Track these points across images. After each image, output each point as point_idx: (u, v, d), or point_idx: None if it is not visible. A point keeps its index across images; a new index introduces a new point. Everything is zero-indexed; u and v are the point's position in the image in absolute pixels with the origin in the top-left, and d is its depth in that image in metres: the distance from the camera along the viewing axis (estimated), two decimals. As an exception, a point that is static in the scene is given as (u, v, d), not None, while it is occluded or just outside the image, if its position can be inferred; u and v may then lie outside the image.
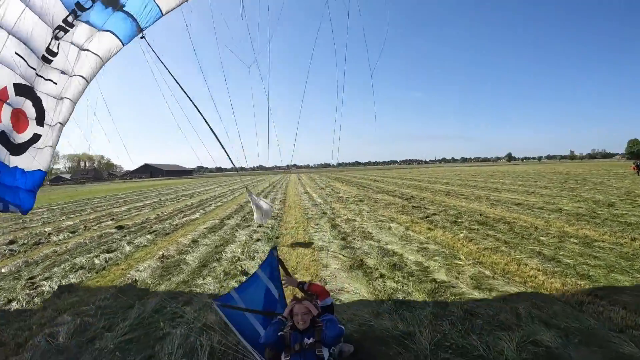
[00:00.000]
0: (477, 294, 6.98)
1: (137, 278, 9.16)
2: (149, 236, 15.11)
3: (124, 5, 6.81)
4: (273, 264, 5.66)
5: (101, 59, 7.40)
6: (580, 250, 9.77)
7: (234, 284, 8.18)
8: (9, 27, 5.89)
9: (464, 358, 4.85)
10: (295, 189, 40.22)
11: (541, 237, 11.30)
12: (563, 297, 6.69)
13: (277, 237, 13.79)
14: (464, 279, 7.82)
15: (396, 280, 8.01)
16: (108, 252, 12.43)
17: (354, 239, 12.63)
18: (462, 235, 12.13)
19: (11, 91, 6.34)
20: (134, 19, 7.13)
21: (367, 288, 7.70)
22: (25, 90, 6.55)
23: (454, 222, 14.56)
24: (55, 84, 7.00)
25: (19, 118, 6.68)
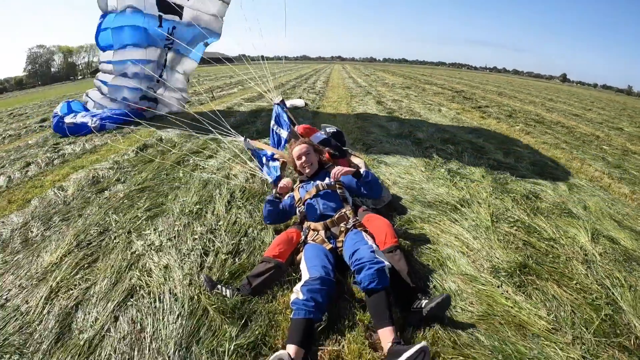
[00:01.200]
0: (540, 180, 5.98)
1: (162, 136, 8.79)
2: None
3: None
4: (277, 111, 5.46)
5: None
6: (648, 168, 8.34)
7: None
8: None
9: (532, 236, 4.01)
10: (339, 75, 37.95)
11: (603, 146, 9.88)
12: (633, 203, 5.59)
13: (317, 108, 12.90)
14: (524, 164, 6.78)
15: (449, 152, 7.05)
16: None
17: (401, 114, 11.54)
18: (518, 127, 10.88)
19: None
20: None
21: (416, 154, 6.80)
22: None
23: (509, 116, 13.15)
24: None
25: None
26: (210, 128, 5.65)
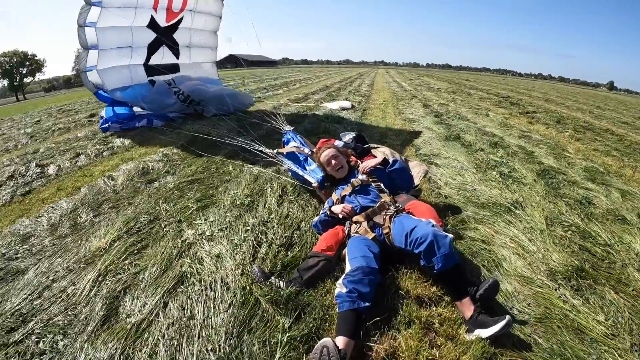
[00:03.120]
0: (591, 185, 5.77)
1: (210, 131, 8.71)
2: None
3: None
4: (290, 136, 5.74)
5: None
6: None
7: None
8: None
9: (587, 241, 3.89)
10: (383, 79, 37.66)
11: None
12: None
13: (364, 110, 12.86)
14: (575, 170, 6.56)
15: (499, 156, 6.91)
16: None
17: (448, 118, 11.38)
18: (567, 134, 10.49)
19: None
20: None
21: (467, 157, 6.70)
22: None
23: (557, 122, 12.68)
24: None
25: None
26: (238, 142, 6.08)
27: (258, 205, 4.60)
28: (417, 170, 4.59)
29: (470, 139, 8.19)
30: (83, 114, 14.70)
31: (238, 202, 4.66)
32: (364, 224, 3.32)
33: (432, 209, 3.46)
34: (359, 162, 4.24)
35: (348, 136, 5.23)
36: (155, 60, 9.87)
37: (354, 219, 3.43)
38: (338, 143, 4.78)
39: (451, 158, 6.57)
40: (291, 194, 4.92)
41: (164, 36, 9.59)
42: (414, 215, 3.29)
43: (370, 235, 3.18)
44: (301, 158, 5.12)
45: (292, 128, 5.67)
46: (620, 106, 27.98)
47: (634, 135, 12.14)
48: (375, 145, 4.77)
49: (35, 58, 78.02)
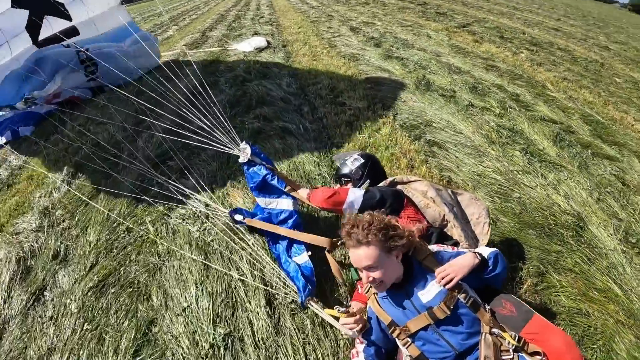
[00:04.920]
0: (606, 149, 4.93)
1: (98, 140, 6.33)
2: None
3: None
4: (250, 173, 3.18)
5: None
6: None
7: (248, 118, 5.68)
8: None
9: None
10: None
11: (616, 78, 8.80)
12: None
13: (284, 46, 10.58)
14: (577, 123, 5.60)
15: (497, 113, 5.65)
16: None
17: (392, 46, 9.72)
18: (523, 56, 9.50)
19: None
20: None
21: (464, 121, 5.34)
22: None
23: (501, 37, 11.68)
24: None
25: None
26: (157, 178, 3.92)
27: (238, 340, 2.55)
28: (475, 213, 2.83)
29: (444, 83, 6.81)
30: None
31: (203, 338, 2.55)
32: None
33: (569, 342, 2.04)
34: (420, 242, 2.26)
35: (348, 167, 3.11)
36: (45, 35, 6.40)
37: None
38: (355, 196, 2.64)
39: (448, 127, 5.18)
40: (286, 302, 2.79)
41: (39, 4, 6.25)
42: (544, 356, 1.91)
43: None
44: (280, 248, 3.07)
45: (247, 158, 3.10)
46: (525, 0, 27.65)
47: (577, 47, 11.75)
48: (407, 179, 2.99)
49: None
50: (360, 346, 2.22)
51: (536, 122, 5.42)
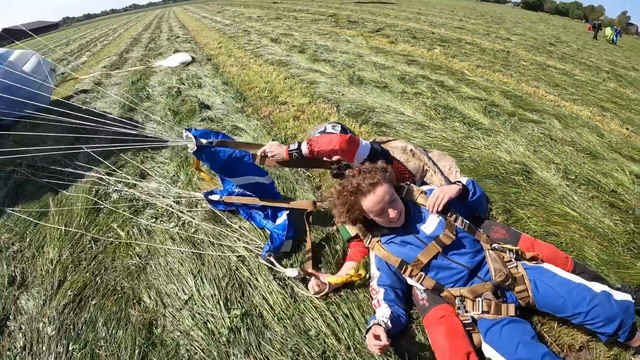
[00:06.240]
0: (526, 113, 5.58)
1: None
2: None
3: None
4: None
5: None
6: (572, 82, 8.36)
7: (196, 122, 5.58)
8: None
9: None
10: (189, 16, 32.06)
11: (522, 62, 9.81)
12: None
13: (209, 59, 10.52)
14: (498, 98, 6.21)
15: (429, 96, 6.09)
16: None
17: (316, 51, 10.06)
18: (437, 51, 10.26)
19: None
20: None
21: (404, 105, 5.69)
22: None
23: (413, 37, 12.52)
24: None
25: None
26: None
27: (258, 317, 2.44)
28: (447, 165, 3.12)
29: (375, 77, 7.19)
30: None
31: (218, 324, 2.41)
32: (489, 295, 2.06)
33: (555, 249, 2.35)
34: (407, 182, 2.51)
35: (332, 132, 3.15)
36: None
37: (463, 292, 2.11)
38: (363, 149, 2.62)
39: (390, 111, 5.47)
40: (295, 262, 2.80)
41: None
42: (540, 260, 2.17)
43: (512, 310, 2.00)
44: (258, 218, 3.14)
45: (189, 135, 2.74)
46: (426, 7, 29.63)
47: (484, 42, 12.83)
48: (386, 139, 3.22)
49: None
50: (379, 294, 2.23)
51: (465, 100, 5.92)
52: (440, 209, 2.20)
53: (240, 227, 3.12)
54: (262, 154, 2.74)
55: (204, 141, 2.69)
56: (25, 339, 2.46)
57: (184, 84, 7.67)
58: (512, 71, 8.51)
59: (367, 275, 2.42)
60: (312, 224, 2.91)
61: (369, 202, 2.14)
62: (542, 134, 4.76)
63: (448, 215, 2.22)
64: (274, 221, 3.01)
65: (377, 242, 2.32)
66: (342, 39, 12.05)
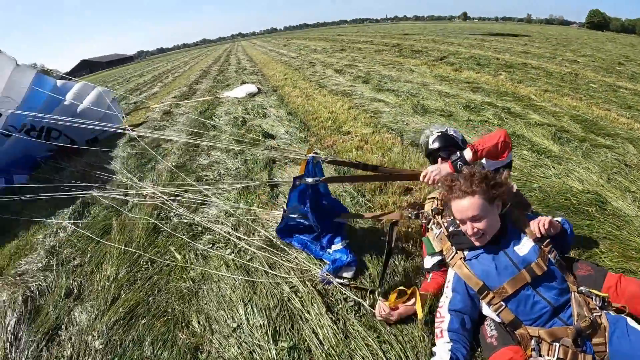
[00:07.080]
0: (598, 138, 5.31)
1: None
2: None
3: None
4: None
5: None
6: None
7: (259, 151, 5.63)
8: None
9: None
10: (256, 50, 34.50)
11: (592, 84, 9.37)
12: None
13: (274, 90, 11.04)
14: (568, 123, 5.98)
15: (496, 125, 6.02)
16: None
17: (380, 81, 10.25)
18: (502, 77, 10.08)
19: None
20: None
21: (473, 135, 5.69)
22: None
23: (478, 64, 12.39)
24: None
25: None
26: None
27: (305, 352, 2.37)
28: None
29: (439, 106, 7.24)
30: None
31: (264, 356, 2.37)
32: (568, 341, 1.85)
33: None
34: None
35: (453, 134, 3.10)
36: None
37: (541, 333, 1.92)
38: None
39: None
40: (345, 306, 2.67)
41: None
42: (627, 313, 1.94)
43: None
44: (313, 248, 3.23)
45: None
46: (493, 35, 29.21)
47: (550, 65, 12.41)
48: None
49: None
50: (444, 323, 2.11)
51: (533, 127, 5.78)
52: (546, 227, 2.09)
53: (295, 257, 3.21)
54: (424, 178, 2.67)
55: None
56: (73, 349, 2.61)
57: (249, 114, 8.13)
58: (581, 94, 8.18)
59: (424, 320, 2.31)
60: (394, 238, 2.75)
61: (454, 205, 2.17)
62: (616, 160, 4.54)
63: (544, 244, 2.12)
64: (329, 245, 3.11)
65: (461, 259, 2.25)
66: (405, 68, 12.21)
